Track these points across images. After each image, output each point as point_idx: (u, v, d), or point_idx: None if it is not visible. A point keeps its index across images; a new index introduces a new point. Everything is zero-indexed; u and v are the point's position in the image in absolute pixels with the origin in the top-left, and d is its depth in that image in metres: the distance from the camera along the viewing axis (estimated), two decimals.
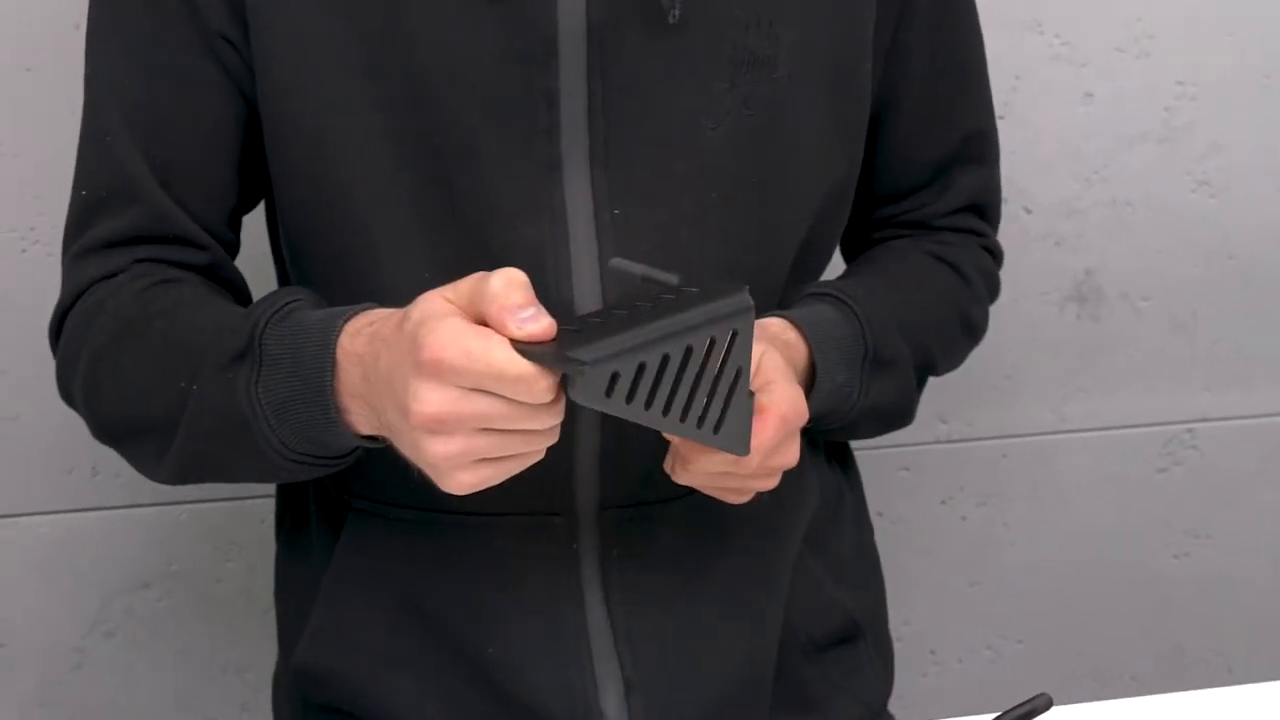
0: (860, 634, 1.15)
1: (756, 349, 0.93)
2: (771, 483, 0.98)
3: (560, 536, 1.04)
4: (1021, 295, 1.59)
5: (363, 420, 0.90)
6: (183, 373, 0.95)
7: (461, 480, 0.85)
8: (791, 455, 0.96)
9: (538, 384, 0.81)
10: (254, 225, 1.10)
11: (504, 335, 0.81)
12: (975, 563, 1.67)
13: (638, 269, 0.89)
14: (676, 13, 0.98)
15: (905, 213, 1.17)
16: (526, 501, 1.02)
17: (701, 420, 0.88)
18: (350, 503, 1.07)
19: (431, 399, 0.81)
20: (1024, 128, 1.54)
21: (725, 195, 1.02)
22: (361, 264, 1.00)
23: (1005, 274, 1.56)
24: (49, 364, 1.40)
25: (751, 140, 1.02)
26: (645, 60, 0.99)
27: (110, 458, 1.45)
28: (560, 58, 0.98)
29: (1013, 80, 1.53)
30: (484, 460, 0.84)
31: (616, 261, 0.90)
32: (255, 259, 1.11)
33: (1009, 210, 1.55)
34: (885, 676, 1.18)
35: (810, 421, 1.01)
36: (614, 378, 0.82)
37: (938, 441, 1.63)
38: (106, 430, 1.02)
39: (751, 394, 0.90)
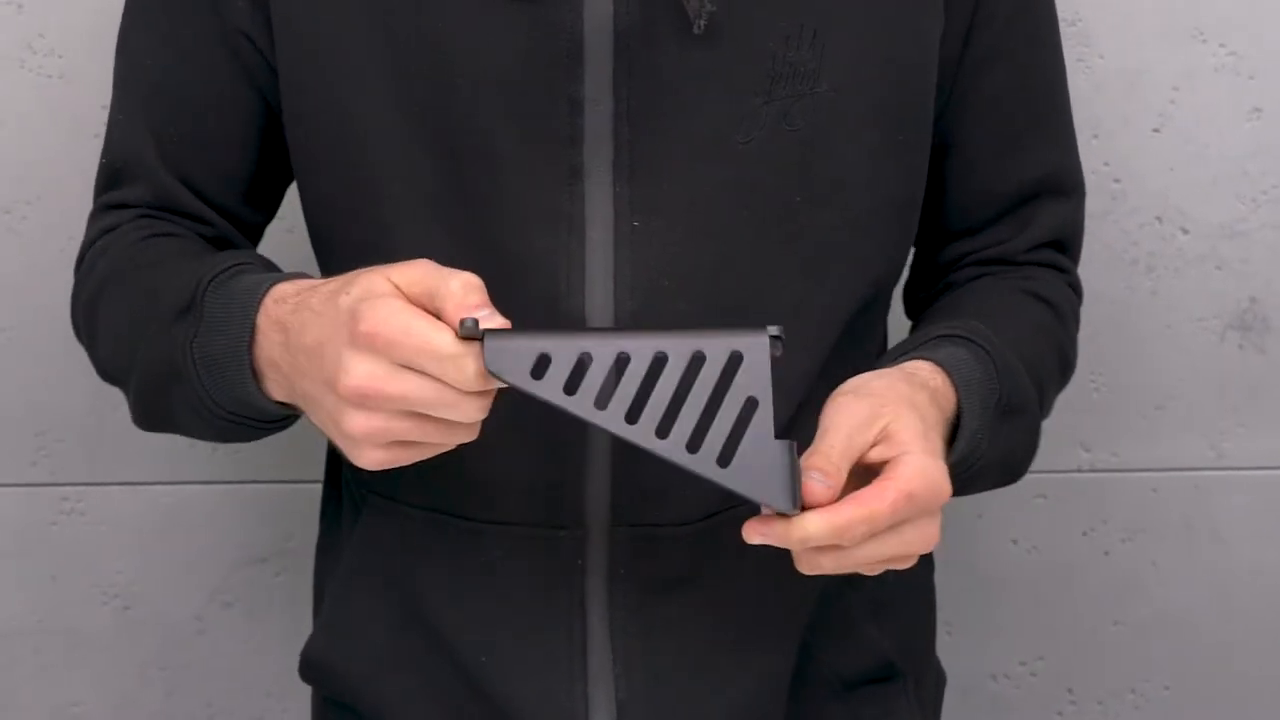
0: (898, 674, 1.10)
1: (896, 410, 0.88)
2: (905, 563, 0.88)
3: (565, 551, 1.01)
4: (1176, 321, 1.49)
5: (276, 387, 0.91)
6: (142, 325, 0.98)
7: (373, 457, 0.85)
8: (919, 538, 0.87)
9: (467, 365, 0.80)
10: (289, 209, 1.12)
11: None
12: (1119, 600, 1.58)
13: None
14: (702, 23, 0.94)
15: (982, 249, 1.09)
16: (533, 512, 1.01)
17: (695, 446, 0.83)
18: (365, 496, 1.07)
19: (361, 371, 0.82)
20: (1183, 143, 1.44)
21: (758, 213, 0.98)
22: (383, 260, 0.99)
23: (1158, 296, 1.48)
24: None
25: (793, 157, 0.98)
26: (674, 69, 0.96)
27: None
28: (586, 63, 0.96)
29: (1170, 92, 1.43)
30: (399, 443, 0.84)
31: None
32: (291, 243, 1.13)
33: (1165, 230, 1.47)
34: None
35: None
36: (543, 360, 0.81)
37: (1079, 470, 1.54)
38: (102, 373, 1.07)
39: (789, 443, 0.83)
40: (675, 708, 1.02)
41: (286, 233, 1.20)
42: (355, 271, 0.86)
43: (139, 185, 1.06)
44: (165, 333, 0.95)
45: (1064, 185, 1.09)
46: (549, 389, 0.82)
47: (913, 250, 1.13)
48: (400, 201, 0.98)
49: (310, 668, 1.12)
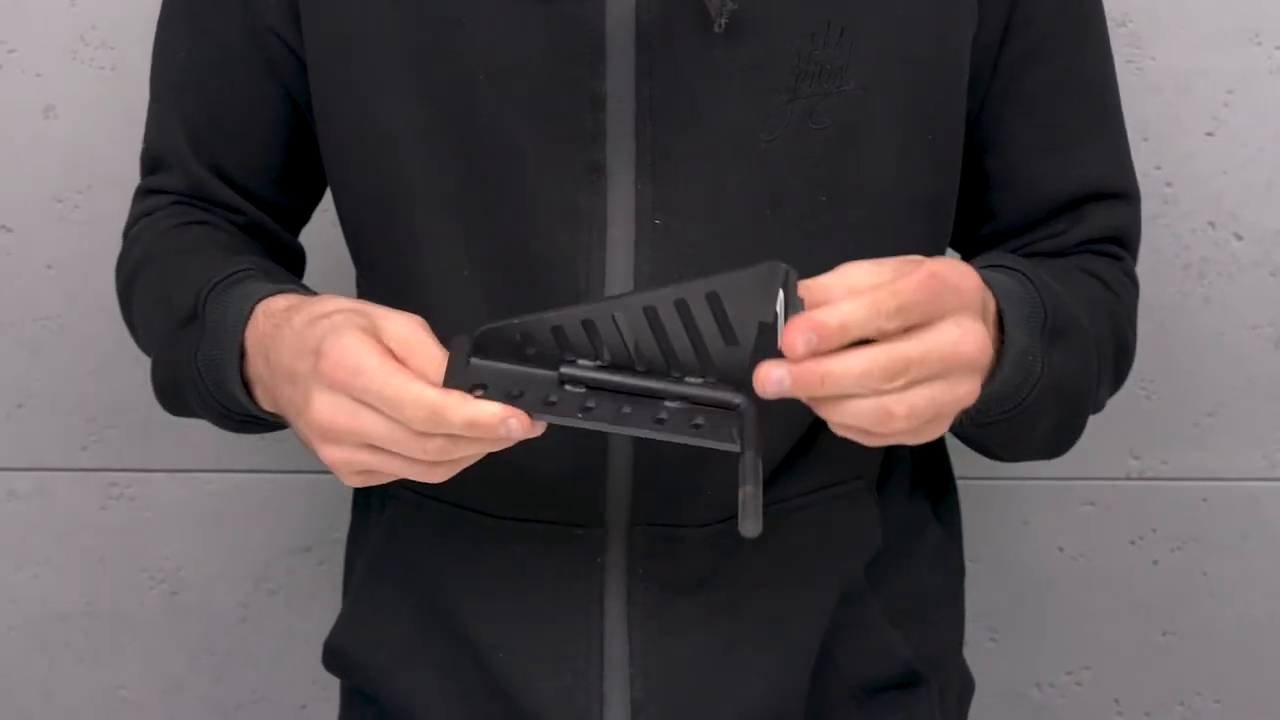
0: (921, 681, 1.08)
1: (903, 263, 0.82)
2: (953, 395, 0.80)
3: (585, 549, 1.01)
4: (1229, 328, 1.46)
5: (264, 399, 0.93)
6: (157, 325, 1.02)
7: (350, 479, 0.88)
8: (956, 338, 0.79)
9: (407, 408, 0.81)
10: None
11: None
12: (1168, 611, 1.55)
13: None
14: (723, 21, 0.93)
15: (1035, 242, 1.07)
16: (553, 509, 1.01)
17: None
18: (391, 488, 1.08)
19: (325, 406, 0.84)
20: (1238, 147, 1.41)
21: (782, 212, 0.97)
22: (406, 256, 1.01)
23: (1211, 303, 1.45)
24: None
25: (818, 155, 0.97)
26: (695, 66, 0.95)
27: None
28: (608, 60, 0.95)
29: (1225, 95, 1.40)
30: (368, 470, 0.86)
31: None
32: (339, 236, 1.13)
33: (1218, 236, 1.44)
34: None
35: (990, 403, 0.88)
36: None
37: (1128, 478, 1.52)
38: (142, 351, 1.11)
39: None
40: (691, 707, 1.02)
41: (332, 225, 1.21)
42: (347, 302, 0.89)
43: (174, 174, 1.08)
44: (174, 338, 0.99)
45: (1117, 188, 1.06)
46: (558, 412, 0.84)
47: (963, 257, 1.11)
48: (422, 198, 0.99)
49: (333, 656, 1.13)
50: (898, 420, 0.79)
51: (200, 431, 1.50)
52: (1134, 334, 1.08)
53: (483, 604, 1.04)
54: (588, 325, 0.83)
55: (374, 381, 0.82)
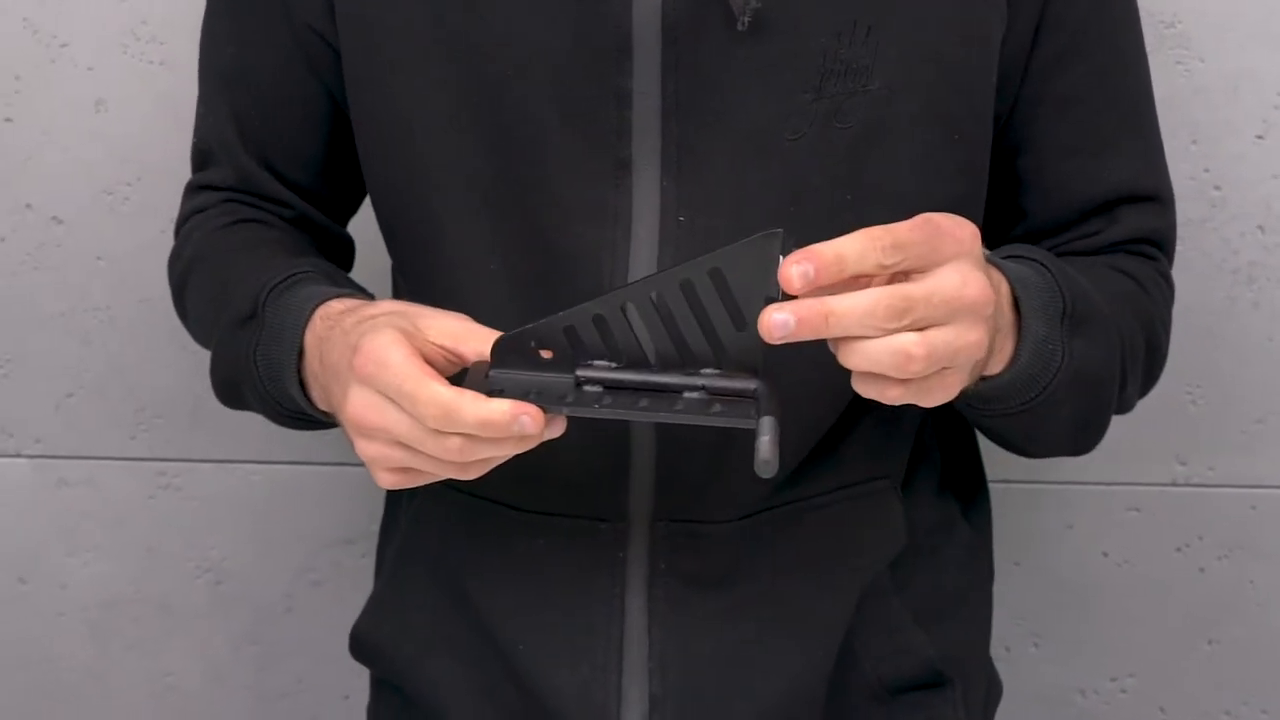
0: (946, 681, 1.08)
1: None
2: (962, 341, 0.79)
3: (606, 543, 1.02)
4: (1279, 333, 1.44)
5: (319, 398, 0.95)
6: (215, 323, 1.04)
7: (384, 478, 0.89)
8: (959, 282, 0.79)
9: (421, 405, 0.83)
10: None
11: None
12: (1214, 619, 1.53)
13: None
14: (746, 20, 0.93)
15: (1067, 243, 1.06)
16: (576, 503, 1.02)
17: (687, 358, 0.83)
18: None
19: (357, 400, 0.86)
20: None
21: (806, 210, 0.97)
22: (434, 250, 1.02)
23: (1260, 308, 1.44)
24: None
25: (843, 155, 0.97)
26: (720, 64, 0.95)
27: None
28: (634, 57, 0.96)
29: (1275, 97, 1.38)
30: (399, 468, 0.87)
31: None
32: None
33: (1267, 241, 1.42)
34: None
35: (1011, 392, 0.90)
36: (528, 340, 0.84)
37: (1174, 484, 1.50)
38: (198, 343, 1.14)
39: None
40: (709, 703, 1.02)
41: (374, 220, 1.22)
42: (396, 305, 0.91)
43: (223, 168, 1.11)
44: (233, 337, 1.01)
45: (1151, 190, 1.06)
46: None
47: None
48: (449, 192, 1.00)
49: (358, 645, 1.14)
50: (916, 362, 0.79)
51: (247, 423, 1.51)
52: (1167, 333, 1.07)
53: (505, 597, 1.05)
54: (599, 322, 0.84)
55: (395, 376, 0.84)
